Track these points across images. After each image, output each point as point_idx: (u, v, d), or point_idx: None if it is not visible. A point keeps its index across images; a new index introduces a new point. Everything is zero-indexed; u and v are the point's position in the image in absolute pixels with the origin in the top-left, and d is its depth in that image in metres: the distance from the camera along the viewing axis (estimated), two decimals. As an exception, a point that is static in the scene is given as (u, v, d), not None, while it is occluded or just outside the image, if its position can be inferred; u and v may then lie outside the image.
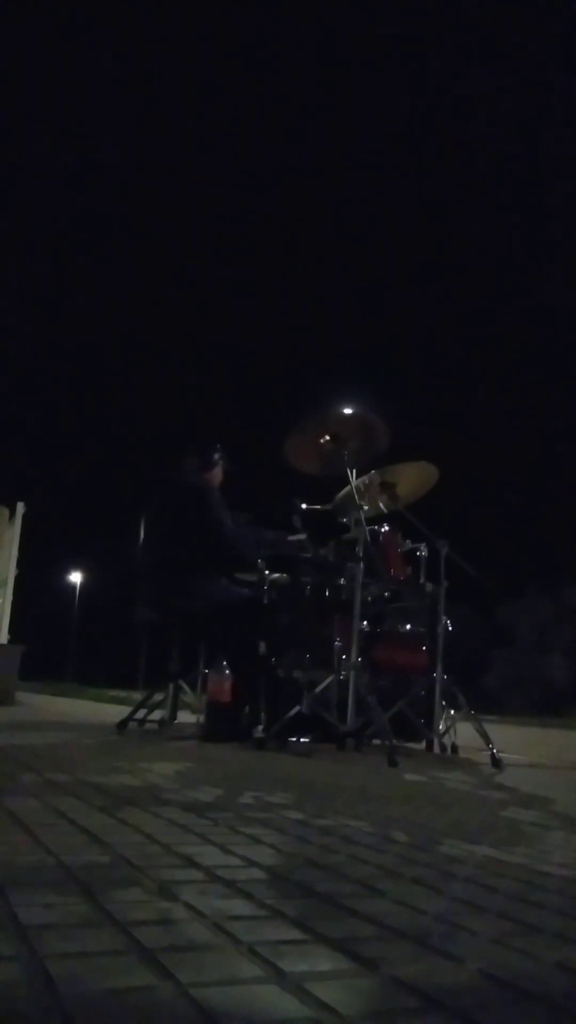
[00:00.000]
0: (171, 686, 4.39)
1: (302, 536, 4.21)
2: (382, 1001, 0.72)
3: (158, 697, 4.48)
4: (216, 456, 4.40)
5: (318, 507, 4.40)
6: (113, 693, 13.66)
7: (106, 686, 19.99)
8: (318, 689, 3.61)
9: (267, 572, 4.29)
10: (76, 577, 42.83)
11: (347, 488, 4.04)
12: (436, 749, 3.94)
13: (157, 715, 4.45)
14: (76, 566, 42.99)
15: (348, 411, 4.04)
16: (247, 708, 3.89)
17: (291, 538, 4.21)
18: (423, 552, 4.21)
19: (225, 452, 4.46)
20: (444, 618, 3.90)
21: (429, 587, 4.01)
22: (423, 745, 4.01)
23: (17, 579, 7.91)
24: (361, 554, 3.70)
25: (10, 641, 7.70)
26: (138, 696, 5.36)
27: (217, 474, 4.42)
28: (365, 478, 4.21)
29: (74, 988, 0.69)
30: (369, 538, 3.91)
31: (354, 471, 4.02)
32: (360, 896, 1.06)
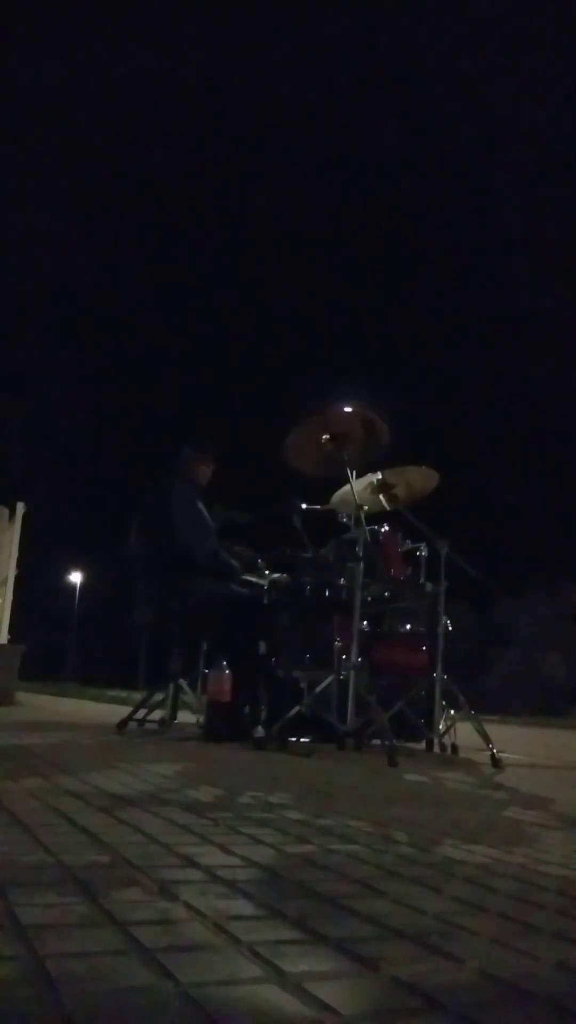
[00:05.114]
0: (171, 686, 4.39)
1: (261, 579, 4.26)
2: (382, 1001, 0.72)
3: (158, 697, 4.48)
4: (188, 452, 4.42)
5: (318, 507, 4.40)
6: (113, 693, 13.66)
7: (106, 686, 19.99)
8: (318, 689, 3.61)
9: (267, 572, 4.29)
10: (76, 577, 42.85)
11: (346, 487, 4.05)
12: (436, 749, 3.94)
13: (157, 715, 4.45)
14: (76, 566, 43.03)
15: (347, 410, 4.04)
16: (247, 708, 3.89)
17: (249, 577, 4.27)
18: (423, 552, 4.21)
19: (202, 444, 4.48)
20: (444, 618, 3.90)
21: (429, 587, 4.01)
22: (423, 745, 4.01)
23: (17, 579, 7.90)
24: (361, 554, 3.70)
25: (10, 641, 7.69)
26: (138, 696, 5.36)
27: (201, 469, 4.44)
28: (366, 477, 4.21)
29: (74, 988, 0.69)
30: (369, 538, 3.91)
31: (354, 471, 4.02)
32: (360, 896, 1.06)
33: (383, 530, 4.17)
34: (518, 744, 5.96)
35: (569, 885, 1.21)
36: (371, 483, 4.26)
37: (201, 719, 4.06)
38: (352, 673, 3.52)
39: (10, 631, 7.81)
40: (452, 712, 3.98)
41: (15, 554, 7.84)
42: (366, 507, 4.05)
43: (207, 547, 4.15)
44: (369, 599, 4.03)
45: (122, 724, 4.22)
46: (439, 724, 3.90)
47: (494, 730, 4.06)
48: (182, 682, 4.46)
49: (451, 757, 3.85)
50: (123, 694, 12.55)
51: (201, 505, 4.30)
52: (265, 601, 4.17)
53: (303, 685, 3.86)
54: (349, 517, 4.16)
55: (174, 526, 4.10)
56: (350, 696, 3.53)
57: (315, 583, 4.10)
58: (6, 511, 7.81)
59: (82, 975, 0.72)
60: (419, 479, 4.32)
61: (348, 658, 3.58)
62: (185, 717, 4.66)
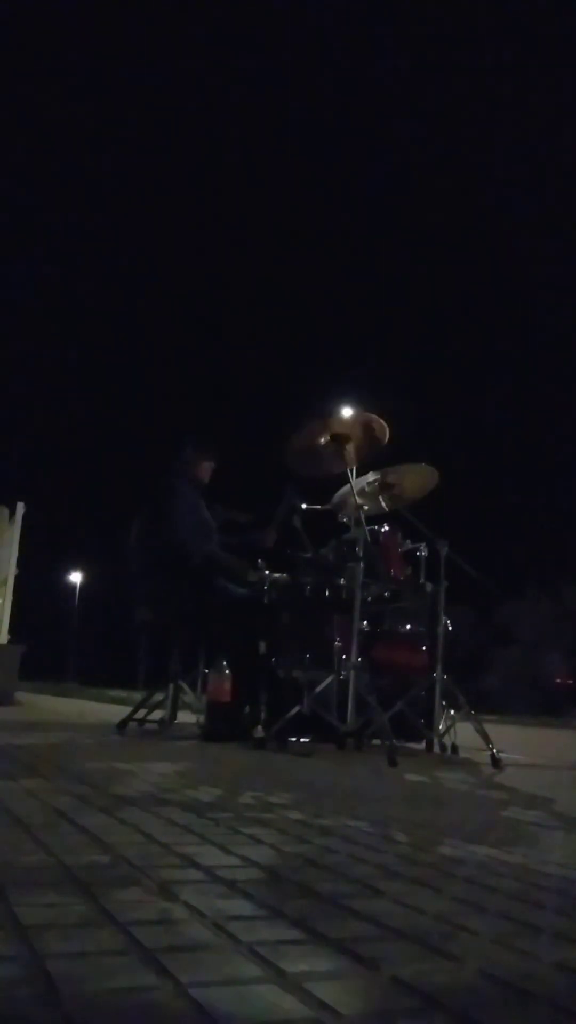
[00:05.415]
0: (171, 686, 4.39)
1: (262, 573, 4.25)
2: (382, 1001, 0.72)
3: (158, 697, 4.48)
4: (189, 451, 4.42)
5: (318, 507, 4.40)
6: (113, 693, 13.66)
7: (106, 686, 19.98)
8: (318, 689, 3.61)
9: (267, 572, 4.29)
10: (76, 577, 42.84)
11: (346, 487, 4.05)
12: (436, 749, 3.94)
13: (157, 715, 4.45)
14: (76, 566, 43.01)
15: (347, 411, 4.04)
16: (247, 708, 3.89)
17: (250, 574, 4.25)
18: (423, 552, 4.21)
19: (203, 442, 4.48)
20: (444, 618, 3.90)
21: (429, 587, 4.01)
22: (423, 745, 4.01)
23: (17, 579, 7.90)
24: (361, 554, 3.70)
25: (10, 641, 7.70)
26: (138, 696, 5.37)
27: (202, 467, 4.44)
28: (366, 477, 4.21)
29: (74, 988, 0.69)
30: (369, 538, 3.91)
31: (354, 471, 4.02)
32: (360, 896, 1.06)
33: (383, 530, 4.17)
34: (518, 744, 5.96)
35: (569, 885, 1.21)
36: (371, 483, 4.26)
37: (201, 719, 4.06)
38: (352, 673, 3.52)
39: (10, 631, 7.81)
40: (452, 712, 3.98)
41: (15, 554, 7.85)
42: (366, 507, 4.05)
43: (208, 547, 4.15)
44: (369, 599, 4.03)
45: (122, 724, 4.22)
46: (439, 724, 3.90)
47: (494, 730, 4.06)
48: (182, 682, 4.47)
49: (451, 757, 3.85)
50: (123, 694, 12.55)
51: (203, 504, 4.30)
52: (265, 601, 4.17)
53: (303, 685, 3.85)
54: (349, 517, 4.16)
55: (176, 526, 4.10)
56: (350, 696, 3.53)
57: (315, 583, 4.10)
58: (6, 511, 7.81)
59: (82, 975, 0.72)
60: (419, 477, 4.32)
61: (348, 658, 3.58)
62: (185, 717, 4.66)
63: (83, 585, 42.80)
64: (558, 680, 33.81)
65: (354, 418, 4.05)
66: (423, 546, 4.21)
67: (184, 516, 4.13)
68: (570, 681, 33.94)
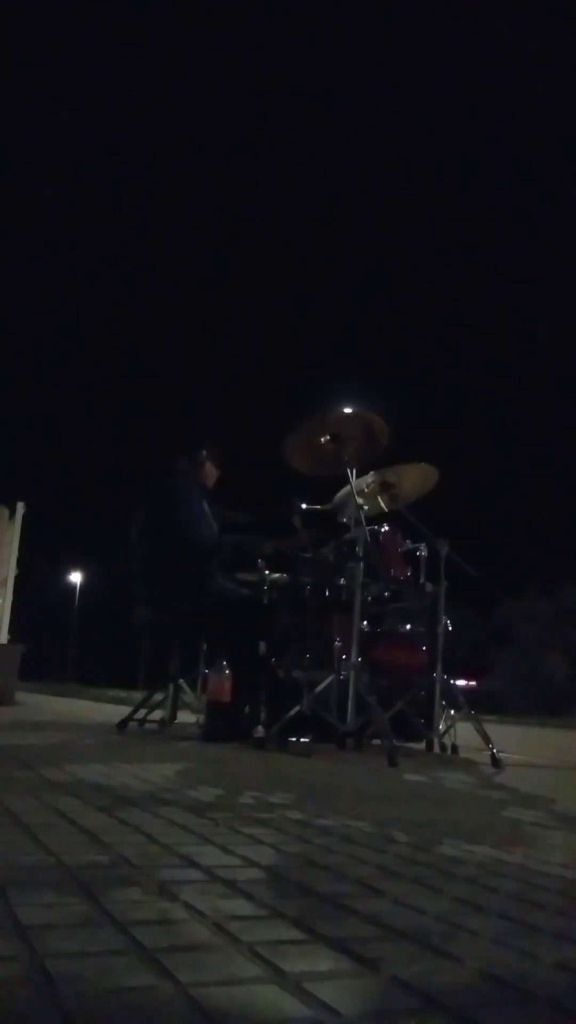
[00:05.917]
0: (171, 686, 4.39)
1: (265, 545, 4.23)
2: (382, 1001, 0.72)
3: (158, 697, 4.48)
4: (202, 453, 4.42)
5: (318, 507, 4.40)
6: (113, 693, 13.67)
7: (106, 686, 20.00)
8: (318, 689, 3.61)
9: (267, 572, 4.29)
10: (76, 577, 42.90)
11: (347, 488, 4.04)
12: (436, 749, 3.94)
13: (157, 715, 4.45)
14: (76, 566, 43.08)
15: (347, 410, 4.03)
16: (247, 708, 3.89)
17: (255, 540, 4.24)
18: (423, 552, 4.21)
19: (214, 447, 4.47)
20: (444, 618, 3.90)
21: (429, 587, 4.01)
22: (423, 745, 4.01)
23: (17, 579, 7.91)
24: (361, 554, 3.70)
25: (10, 641, 7.70)
26: (138, 696, 5.37)
27: (209, 471, 4.44)
28: (366, 478, 4.21)
29: (74, 988, 0.69)
30: (369, 538, 3.91)
31: (354, 471, 4.02)
32: (360, 896, 1.06)
33: (383, 530, 4.17)
34: (518, 744, 5.96)
35: (569, 885, 1.21)
36: (371, 484, 4.25)
37: (201, 719, 4.06)
38: (352, 673, 3.52)
39: (10, 631, 7.82)
40: (452, 712, 3.98)
41: (15, 554, 7.85)
42: (366, 507, 4.05)
43: (210, 535, 4.14)
44: (369, 599, 4.03)
45: (122, 724, 4.22)
46: (439, 724, 3.90)
47: (494, 730, 4.06)
48: (182, 682, 4.47)
49: (451, 757, 3.85)
50: (123, 694, 12.55)
51: (205, 506, 4.30)
52: (265, 601, 4.17)
53: (303, 685, 3.85)
54: (349, 518, 4.16)
55: (179, 524, 4.09)
56: (350, 696, 3.53)
57: (315, 583, 4.09)
58: (6, 511, 7.82)
59: (82, 975, 0.72)
60: (418, 476, 4.32)
61: (348, 658, 3.58)
62: (185, 717, 4.66)
63: (83, 585, 42.90)
64: (472, 683, 33.60)
65: (354, 417, 4.05)
66: (423, 546, 4.21)
67: (189, 515, 4.13)
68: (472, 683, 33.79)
